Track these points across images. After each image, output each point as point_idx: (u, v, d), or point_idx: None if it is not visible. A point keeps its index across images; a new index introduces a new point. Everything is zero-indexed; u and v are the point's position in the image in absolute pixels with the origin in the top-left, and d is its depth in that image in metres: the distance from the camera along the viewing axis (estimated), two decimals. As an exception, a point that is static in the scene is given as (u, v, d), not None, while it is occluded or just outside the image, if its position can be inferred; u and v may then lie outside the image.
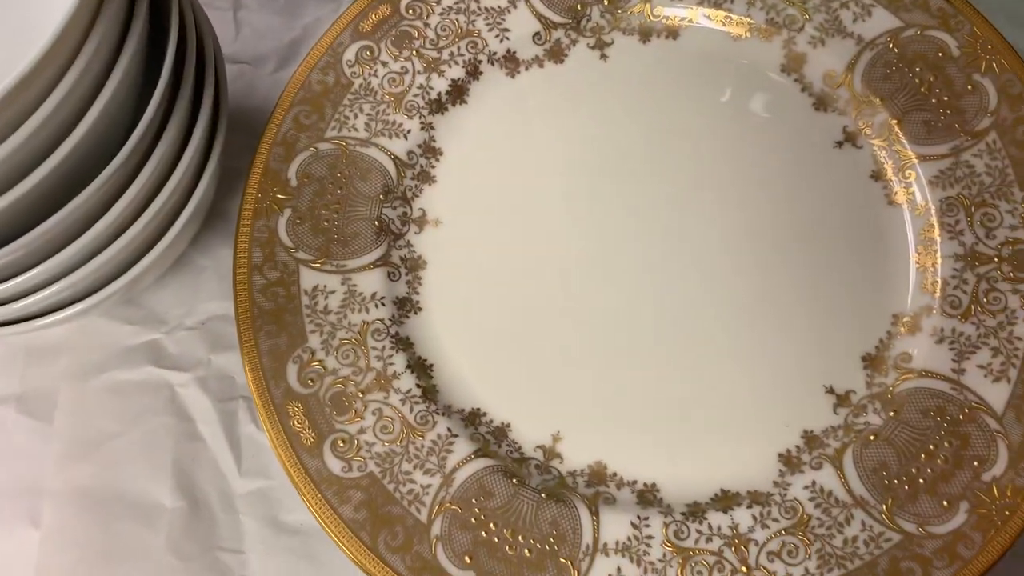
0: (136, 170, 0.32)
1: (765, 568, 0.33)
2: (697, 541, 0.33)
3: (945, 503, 0.33)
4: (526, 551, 0.33)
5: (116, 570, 0.38)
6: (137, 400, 0.41)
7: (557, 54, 0.42)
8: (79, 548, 0.38)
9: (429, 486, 0.34)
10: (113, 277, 0.35)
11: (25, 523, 0.38)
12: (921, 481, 0.34)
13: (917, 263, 0.38)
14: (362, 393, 0.36)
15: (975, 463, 0.34)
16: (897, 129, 0.39)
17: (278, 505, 0.39)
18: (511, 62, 0.42)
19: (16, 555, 0.38)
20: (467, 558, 0.33)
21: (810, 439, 0.36)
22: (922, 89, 0.39)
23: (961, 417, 0.34)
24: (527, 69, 0.42)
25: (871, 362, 0.37)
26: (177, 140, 0.34)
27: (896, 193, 0.39)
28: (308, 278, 0.37)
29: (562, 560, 0.33)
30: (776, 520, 0.34)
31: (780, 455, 0.35)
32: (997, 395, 0.34)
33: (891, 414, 0.35)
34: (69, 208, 0.30)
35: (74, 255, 0.32)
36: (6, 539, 0.38)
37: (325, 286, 0.38)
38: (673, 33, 0.42)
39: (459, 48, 0.41)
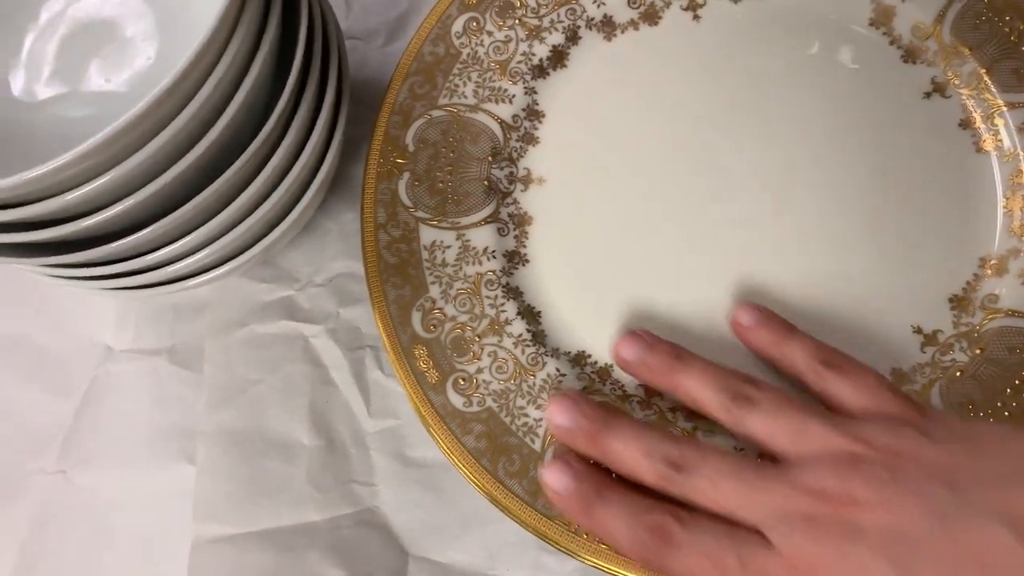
0: (273, 147, 0.35)
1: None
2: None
3: (1031, 434, 0.34)
4: (631, 477, 0.35)
5: (262, 500, 0.40)
6: (275, 350, 0.43)
7: (651, 16, 0.43)
8: (229, 481, 0.41)
9: (541, 419, 0.36)
10: (253, 242, 0.38)
11: (182, 460, 0.42)
12: (1006, 414, 0.34)
13: (1005, 207, 0.38)
14: (479, 337, 0.38)
15: (1061, 396, 0.34)
16: (986, 78, 0.39)
17: (404, 442, 0.41)
18: (608, 26, 0.43)
19: (176, 487, 0.41)
20: (577, 483, 0.35)
21: (898, 376, 0.36)
22: (1012, 38, 0.38)
23: (1047, 353, 0.35)
24: (623, 32, 0.43)
25: (958, 303, 0.37)
26: (307, 119, 0.36)
27: (984, 140, 0.39)
28: (427, 234, 0.40)
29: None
30: (867, 451, 0.35)
31: (870, 391, 0.37)
32: (1084, 332, 0.35)
33: (977, 352, 0.36)
34: (218, 183, 0.33)
35: (221, 224, 0.35)
36: (167, 473, 0.42)
37: (442, 241, 0.40)
38: (763, -9, 0.42)
39: (559, 15, 0.42)
